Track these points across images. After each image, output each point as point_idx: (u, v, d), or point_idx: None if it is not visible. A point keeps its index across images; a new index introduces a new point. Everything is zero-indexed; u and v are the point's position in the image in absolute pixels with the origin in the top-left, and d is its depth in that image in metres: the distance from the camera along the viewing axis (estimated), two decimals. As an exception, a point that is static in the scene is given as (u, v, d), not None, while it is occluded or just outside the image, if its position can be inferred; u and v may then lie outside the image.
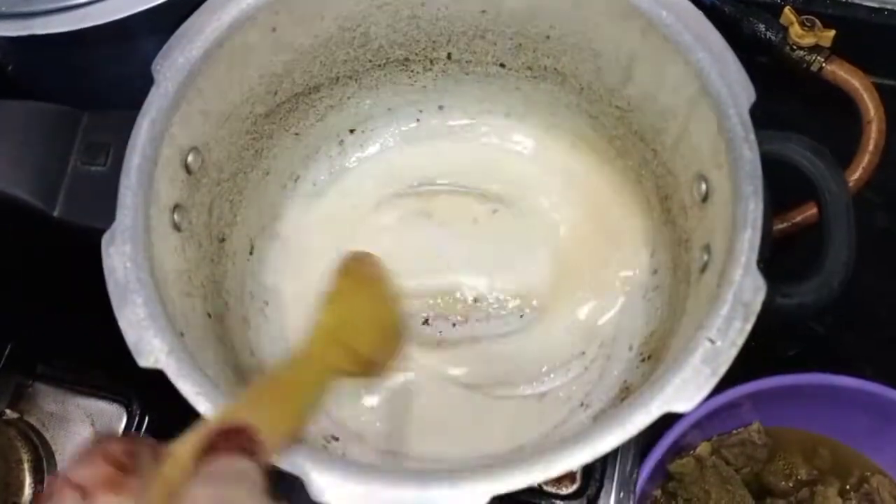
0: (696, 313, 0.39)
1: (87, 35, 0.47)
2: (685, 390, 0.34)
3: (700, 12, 0.42)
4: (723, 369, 0.35)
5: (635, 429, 0.34)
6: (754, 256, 0.36)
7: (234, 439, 0.30)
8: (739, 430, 0.58)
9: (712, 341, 0.35)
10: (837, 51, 0.63)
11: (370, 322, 0.44)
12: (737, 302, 0.36)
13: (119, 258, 0.38)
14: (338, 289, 0.44)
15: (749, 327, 0.35)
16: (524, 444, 0.48)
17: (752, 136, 0.39)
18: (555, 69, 0.53)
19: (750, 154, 0.38)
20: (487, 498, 0.33)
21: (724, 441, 0.58)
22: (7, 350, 0.56)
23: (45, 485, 0.26)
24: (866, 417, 0.57)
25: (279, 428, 0.33)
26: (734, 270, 0.36)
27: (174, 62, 0.43)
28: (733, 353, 0.35)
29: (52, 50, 0.50)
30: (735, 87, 0.40)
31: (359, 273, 0.46)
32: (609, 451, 0.34)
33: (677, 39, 0.42)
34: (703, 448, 0.58)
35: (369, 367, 0.44)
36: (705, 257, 0.42)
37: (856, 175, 0.62)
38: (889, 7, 0.65)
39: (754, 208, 0.37)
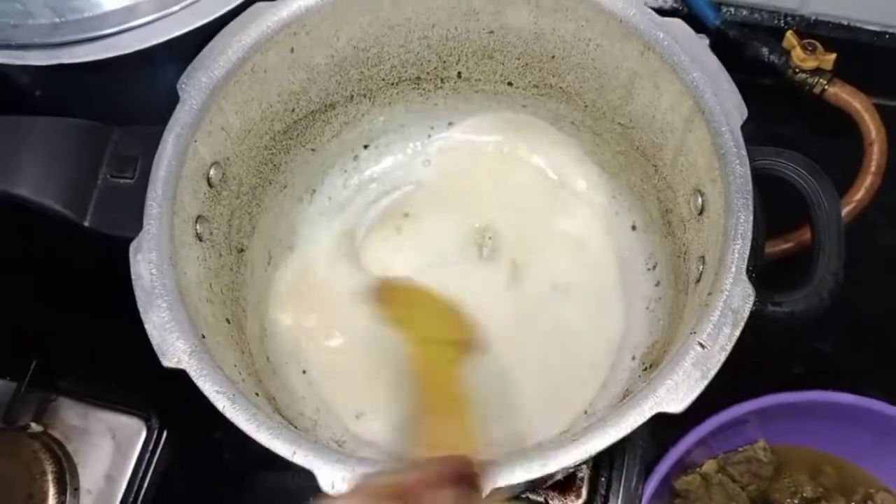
0: (692, 321, 0.40)
1: (112, 63, 0.50)
2: (677, 392, 0.36)
3: (695, 35, 0.44)
4: (712, 372, 0.36)
5: (629, 427, 0.36)
6: (744, 266, 0.38)
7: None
8: (745, 447, 0.59)
9: (703, 346, 0.37)
10: (840, 73, 0.65)
11: (434, 313, 0.51)
12: (727, 308, 0.37)
13: (145, 265, 0.41)
14: (395, 312, 0.50)
15: (738, 333, 0.37)
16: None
17: (744, 152, 0.41)
18: (560, 87, 0.55)
19: (741, 168, 0.40)
20: (488, 490, 0.34)
21: (729, 458, 0.59)
22: (32, 366, 0.57)
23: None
24: (870, 435, 0.58)
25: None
26: (725, 279, 0.38)
27: (198, 81, 0.45)
28: (723, 357, 0.37)
29: (78, 76, 0.52)
30: (728, 105, 0.42)
31: (397, 292, 0.53)
32: (605, 448, 0.35)
33: (674, 60, 0.44)
34: (709, 465, 0.59)
35: (462, 344, 0.49)
36: (700, 267, 0.43)
37: (858, 195, 0.63)
38: (891, 31, 0.66)
39: (745, 220, 0.39)
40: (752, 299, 0.38)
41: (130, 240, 0.42)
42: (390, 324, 0.50)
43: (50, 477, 0.55)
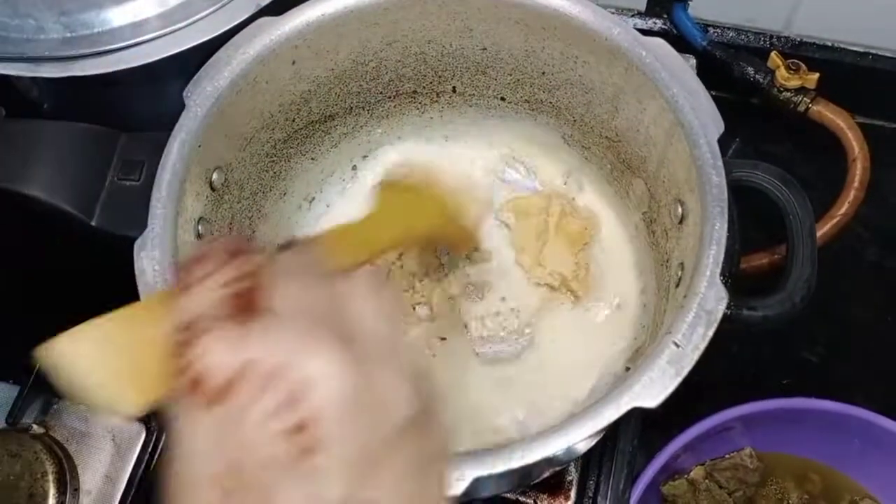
0: (669, 322, 0.42)
1: (120, 76, 0.52)
2: (652, 388, 0.38)
3: (676, 53, 0.46)
4: (686, 370, 0.38)
5: (605, 421, 0.37)
6: (718, 270, 0.40)
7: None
8: (732, 454, 0.60)
9: (677, 345, 0.38)
10: (825, 92, 0.67)
11: (421, 199, 0.49)
12: (701, 310, 0.39)
13: (149, 262, 0.42)
14: (384, 197, 0.47)
15: (711, 333, 0.39)
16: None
17: (720, 163, 0.43)
18: (550, 103, 0.57)
19: (717, 179, 0.42)
20: (471, 479, 0.36)
21: (717, 465, 0.60)
22: (36, 368, 0.58)
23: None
24: (856, 443, 0.59)
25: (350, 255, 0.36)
26: (700, 282, 0.40)
27: (203, 90, 0.47)
28: (696, 356, 0.38)
29: (88, 88, 0.54)
30: (705, 118, 0.44)
31: (399, 183, 0.51)
32: (582, 440, 0.37)
33: (655, 76, 0.46)
34: (696, 471, 0.60)
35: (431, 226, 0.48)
36: (680, 273, 0.45)
37: (842, 210, 0.65)
38: (874, 52, 0.69)
39: (719, 227, 0.41)
40: (724, 302, 0.39)
41: (135, 240, 0.43)
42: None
43: (51, 477, 0.55)
